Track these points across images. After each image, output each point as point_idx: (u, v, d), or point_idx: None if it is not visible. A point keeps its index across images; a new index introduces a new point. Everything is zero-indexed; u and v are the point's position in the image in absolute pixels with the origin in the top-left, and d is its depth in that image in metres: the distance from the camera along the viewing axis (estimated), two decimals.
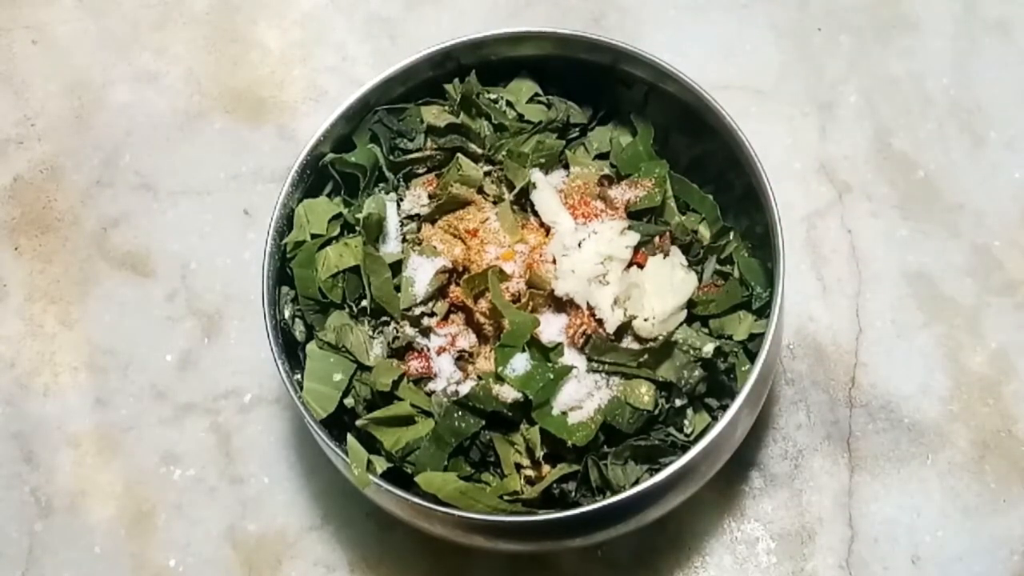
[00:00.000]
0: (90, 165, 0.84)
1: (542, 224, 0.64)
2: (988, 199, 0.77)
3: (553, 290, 0.61)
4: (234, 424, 0.75)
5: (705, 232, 0.65)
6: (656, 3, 0.85)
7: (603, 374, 0.60)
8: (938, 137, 0.79)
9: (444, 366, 0.62)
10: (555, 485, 0.60)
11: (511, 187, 0.65)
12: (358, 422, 0.61)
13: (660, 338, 0.60)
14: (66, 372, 0.77)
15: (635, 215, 0.64)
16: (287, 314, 0.64)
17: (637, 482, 0.58)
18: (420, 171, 0.67)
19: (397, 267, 0.63)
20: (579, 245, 0.62)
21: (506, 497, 0.59)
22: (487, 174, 0.66)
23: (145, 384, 0.77)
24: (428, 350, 0.62)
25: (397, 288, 0.63)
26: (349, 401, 0.63)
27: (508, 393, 0.59)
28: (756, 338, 0.62)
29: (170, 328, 0.78)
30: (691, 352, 0.61)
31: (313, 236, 0.64)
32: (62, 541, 0.73)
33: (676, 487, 0.60)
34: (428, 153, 0.67)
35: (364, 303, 0.64)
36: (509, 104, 0.67)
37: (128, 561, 0.72)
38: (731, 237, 0.66)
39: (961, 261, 0.76)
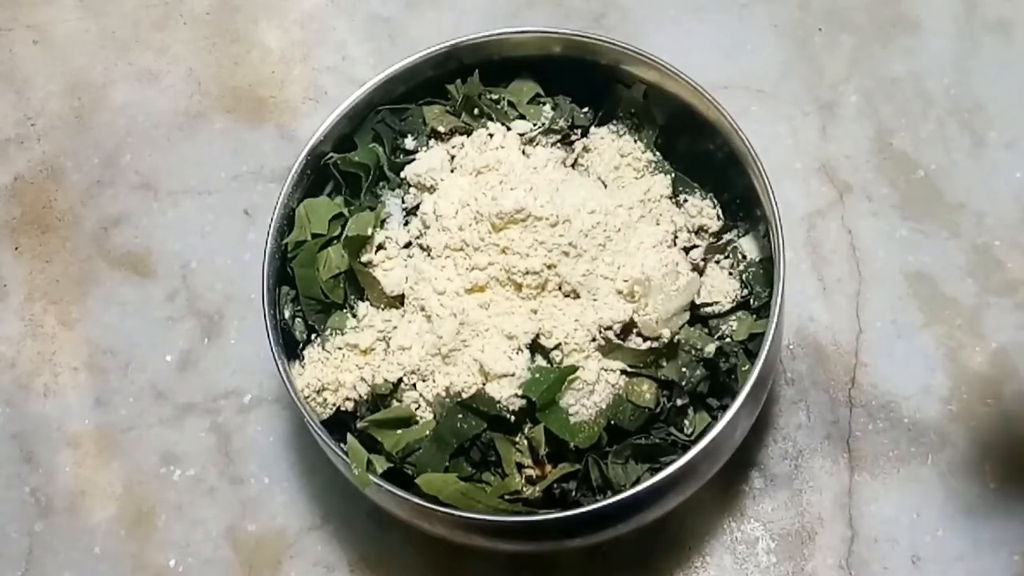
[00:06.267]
0: (90, 165, 0.84)
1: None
2: (988, 199, 0.77)
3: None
4: (234, 424, 0.75)
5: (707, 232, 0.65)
6: (656, 3, 0.85)
7: (606, 371, 0.60)
8: (939, 137, 0.79)
9: None
10: (555, 485, 0.60)
11: None
12: (359, 424, 0.61)
13: (664, 338, 0.60)
14: (66, 372, 0.77)
15: None
16: (287, 314, 0.64)
17: (638, 481, 0.58)
18: None
19: None
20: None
21: (507, 497, 0.59)
22: None
23: (145, 384, 0.76)
24: None
25: None
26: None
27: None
28: (756, 338, 0.62)
29: (170, 328, 0.78)
30: (693, 352, 0.61)
31: (314, 236, 0.64)
32: (62, 541, 0.73)
33: (676, 487, 0.60)
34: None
35: None
36: (511, 104, 0.67)
37: (128, 561, 0.72)
38: (732, 236, 0.66)
39: (961, 261, 0.76)
